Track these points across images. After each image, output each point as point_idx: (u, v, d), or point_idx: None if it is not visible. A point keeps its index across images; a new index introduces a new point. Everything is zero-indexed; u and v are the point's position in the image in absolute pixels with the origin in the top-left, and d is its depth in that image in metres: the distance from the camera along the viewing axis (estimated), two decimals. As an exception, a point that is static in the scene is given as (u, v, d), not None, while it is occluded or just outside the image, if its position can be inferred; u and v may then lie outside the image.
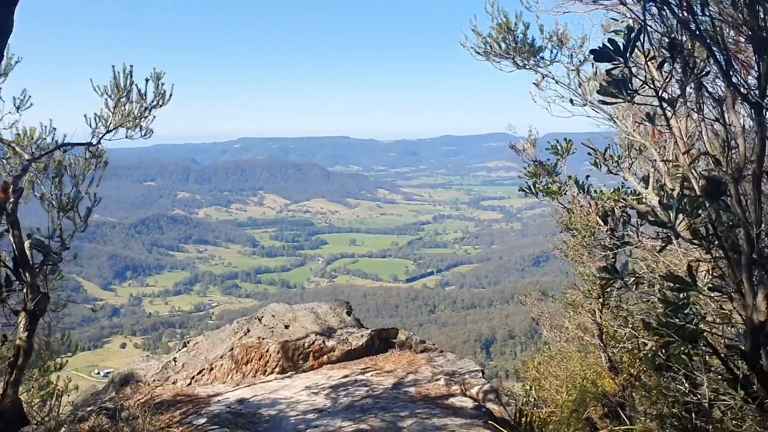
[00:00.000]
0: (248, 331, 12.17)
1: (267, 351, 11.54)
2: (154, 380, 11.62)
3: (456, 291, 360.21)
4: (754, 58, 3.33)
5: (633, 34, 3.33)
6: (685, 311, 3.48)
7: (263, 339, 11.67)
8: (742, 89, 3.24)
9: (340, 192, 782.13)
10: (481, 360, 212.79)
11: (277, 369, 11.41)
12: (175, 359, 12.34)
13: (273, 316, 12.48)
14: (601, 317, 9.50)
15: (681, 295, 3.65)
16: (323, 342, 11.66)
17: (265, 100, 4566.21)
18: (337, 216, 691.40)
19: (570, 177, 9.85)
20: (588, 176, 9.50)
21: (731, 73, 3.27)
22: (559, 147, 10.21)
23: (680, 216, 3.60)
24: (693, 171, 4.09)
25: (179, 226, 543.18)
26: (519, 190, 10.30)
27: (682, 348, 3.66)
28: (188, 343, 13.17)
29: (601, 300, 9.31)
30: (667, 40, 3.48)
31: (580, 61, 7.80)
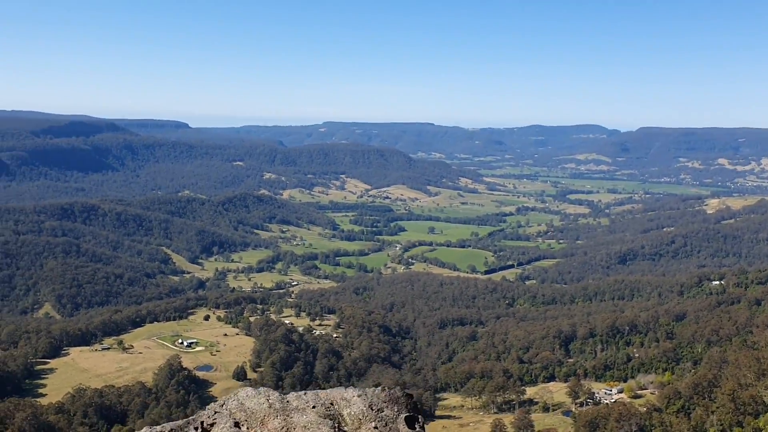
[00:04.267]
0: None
1: None
2: None
3: (537, 285, 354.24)
4: None
5: None
6: None
7: None
8: None
9: (421, 179, 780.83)
10: (560, 357, 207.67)
11: None
12: None
13: (236, 425, 6.21)
14: None
15: None
16: None
17: (351, 86, 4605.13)
18: (417, 203, 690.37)
19: None
20: None
21: None
22: None
23: None
24: None
25: (264, 206, 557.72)
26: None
27: None
28: None
29: None
30: None
31: None
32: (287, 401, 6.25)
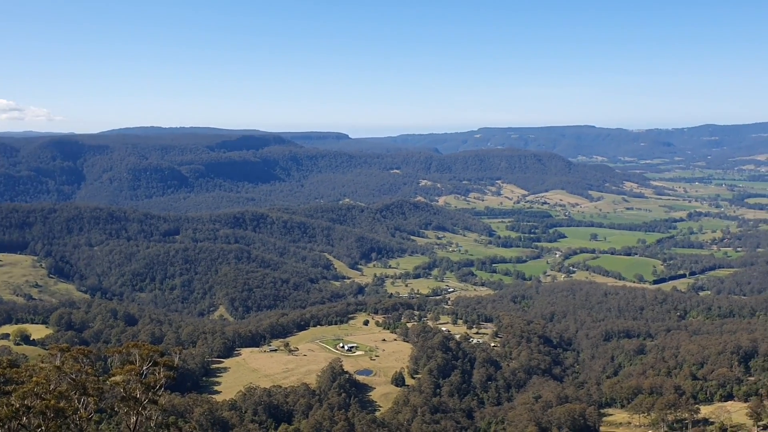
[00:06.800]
0: None
1: None
2: None
3: (712, 296, 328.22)
4: None
5: None
6: None
7: None
8: None
9: (581, 183, 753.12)
10: (738, 374, 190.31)
11: None
12: None
13: None
14: None
15: None
16: None
17: (507, 90, 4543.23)
18: (577, 209, 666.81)
19: None
20: None
21: None
22: None
23: None
24: None
25: (420, 213, 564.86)
26: None
27: None
28: None
29: None
30: None
31: None
32: None
